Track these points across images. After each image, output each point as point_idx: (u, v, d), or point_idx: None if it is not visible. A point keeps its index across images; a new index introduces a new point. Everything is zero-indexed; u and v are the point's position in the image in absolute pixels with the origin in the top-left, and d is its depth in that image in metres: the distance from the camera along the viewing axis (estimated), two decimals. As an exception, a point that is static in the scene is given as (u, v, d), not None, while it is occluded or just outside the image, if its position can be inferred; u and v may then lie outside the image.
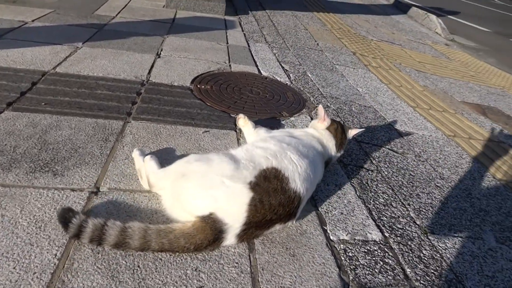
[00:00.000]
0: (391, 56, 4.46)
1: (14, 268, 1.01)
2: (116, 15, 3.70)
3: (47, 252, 1.08)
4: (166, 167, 1.35)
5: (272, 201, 1.18)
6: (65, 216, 1.11)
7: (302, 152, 1.38)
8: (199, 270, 1.12)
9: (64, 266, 1.04)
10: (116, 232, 1.09)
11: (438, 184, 1.94)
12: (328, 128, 1.64)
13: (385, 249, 1.38)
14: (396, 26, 6.42)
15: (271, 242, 1.28)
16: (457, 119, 2.95)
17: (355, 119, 2.46)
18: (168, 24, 3.70)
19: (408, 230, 1.52)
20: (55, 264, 1.05)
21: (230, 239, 1.17)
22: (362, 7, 7.58)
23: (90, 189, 1.35)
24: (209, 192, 1.18)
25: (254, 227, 1.18)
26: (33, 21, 3.07)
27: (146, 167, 1.40)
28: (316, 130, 1.64)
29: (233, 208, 1.16)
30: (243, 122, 1.78)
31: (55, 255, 1.07)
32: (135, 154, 1.51)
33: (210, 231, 1.13)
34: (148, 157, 1.45)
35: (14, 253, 1.06)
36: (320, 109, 1.68)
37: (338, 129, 1.66)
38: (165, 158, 1.59)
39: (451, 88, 3.79)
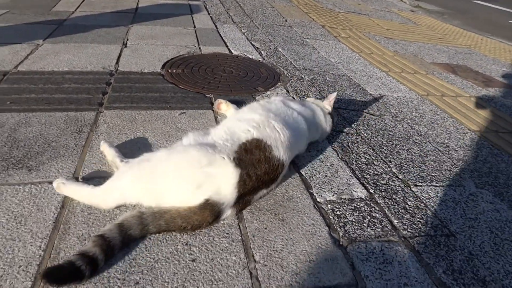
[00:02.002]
0: (360, 26, 4.49)
1: (-3, 264, 0.98)
2: (75, 10, 3.56)
3: (31, 245, 1.04)
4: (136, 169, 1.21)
5: (258, 172, 1.20)
6: (70, 270, 0.94)
7: (287, 120, 1.40)
8: (190, 245, 1.11)
9: (50, 257, 1.01)
10: (117, 234, 1.04)
11: (416, 141, 1.98)
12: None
13: (371, 204, 1.40)
14: (361, -3, 6.44)
15: (259, 210, 1.28)
16: (429, 79, 3.01)
17: (331, 88, 2.47)
18: (131, 14, 3.59)
19: (391, 185, 1.55)
20: (40, 255, 1.01)
21: (226, 213, 1.19)
22: (326, -19, 7.55)
23: (69, 180, 1.31)
24: (197, 189, 1.15)
25: (244, 195, 1.21)
26: (-13, 22, 2.92)
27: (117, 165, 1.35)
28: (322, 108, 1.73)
29: (225, 189, 1.16)
30: (226, 107, 1.77)
31: (40, 247, 1.04)
32: (104, 146, 1.44)
33: (210, 213, 1.13)
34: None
35: (-4, 250, 1.02)
36: (333, 96, 1.79)
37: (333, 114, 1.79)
38: (138, 146, 1.56)
39: (420, 51, 3.86)
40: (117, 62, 2.40)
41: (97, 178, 1.34)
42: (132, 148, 1.53)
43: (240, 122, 1.37)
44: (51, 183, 1.28)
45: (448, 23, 5.68)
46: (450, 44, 4.34)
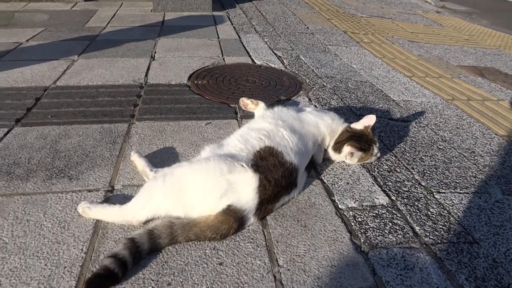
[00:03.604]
0: (383, 30, 4.47)
1: (45, 265, 1.08)
2: (106, 25, 3.76)
3: (74, 248, 1.15)
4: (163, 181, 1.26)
5: (276, 176, 1.27)
6: (106, 275, 1.03)
7: (295, 129, 1.48)
8: (217, 249, 1.18)
9: (91, 259, 1.11)
10: (146, 240, 1.12)
11: (440, 147, 1.98)
12: (349, 127, 1.66)
13: (393, 211, 1.43)
14: (384, 0, 6.40)
15: (282, 217, 1.34)
16: (454, 83, 2.98)
17: (353, 95, 2.49)
18: (158, 27, 3.75)
19: (414, 191, 1.57)
20: (82, 257, 1.11)
21: (250, 220, 1.26)
22: (348, -14, 7.54)
23: (106, 188, 1.42)
24: (221, 197, 1.22)
25: (266, 202, 1.27)
26: (27, 40, 3.14)
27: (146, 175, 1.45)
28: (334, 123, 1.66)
29: (247, 194, 1.23)
30: (254, 105, 1.83)
31: (81, 249, 1.14)
32: (135, 157, 1.52)
33: (234, 220, 1.20)
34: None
35: (44, 252, 1.13)
36: (372, 118, 1.66)
37: (350, 134, 1.63)
38: (167, 156, 1.65)
39: (446, 54, 3.80)
40: (146, 75, 2.53)
41: (131, 186, 1.44)
42: (162, 158, 1.62)
43: (251, 131, 1.45)
44: (90, 191, 1.39)
45: (475, 23, 5.55)
46: (477, 46, 4.25)
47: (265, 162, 1.30)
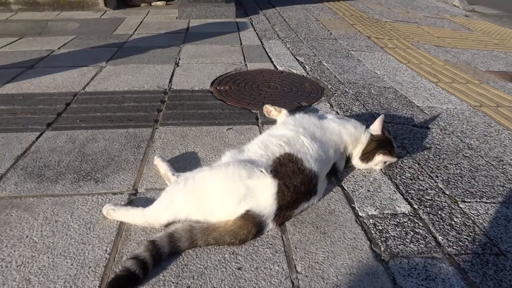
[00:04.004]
0: (408, 35, 4.39)
1: (71, 264, 1.13)
2: (133, 32, 3.88)
3: (98, 249, 1.19)
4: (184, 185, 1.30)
5: (294, 182, 1.27)
6: (128, 277, 1.06)
7: (316, 136, 1.47)
8: (236, 254, 1.20)
9: (114, 260, 1.15)
10: (166, 243, 1.15)
11: (466, 155, 1.92)
12: (372, 136, 1.64)
13: (415, 220, 1.40)
14: (410, 5, 6.29)
15: (301, 223, 1.34)
16: (482, 89, 2.89)
17: (375, 101, 2.47)
18: (182, 34, 3.84)
19: (437, 200, 1.53)
20: (106, 258, 1.15)
21: (269, 225, 1.27)
22: (373, -10, 7.46)
23: (129, 191, 1.46)
24: (239, 202, 1.23)
25: (285, 209, 1.27)
26: (59, 48, 3.29)
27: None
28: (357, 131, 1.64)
29: (265, 200, 1.24)
30: (276, 112, 1.84)
31: (106, 250, 1.18)
32: (158, 161, 1.57)
33: (253, 225, 1.22)
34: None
35: (70, 252, 1.17)
36: (380, 119, 1.68)
37: (377, 143, 1.63)
38: (189, 161, 1.69)
39: (474, 59, 3.69)
40: (170, 81, 2.59)
41: (153, 190, 1.48)
42: (184, 162, 1.66)
43: (272, 137, 1.46)
44: (115, 194, 1.44)
45: (507, 27, 5.36)
46: (508, 50, 4.10)
47: (285, 168, 1.30)
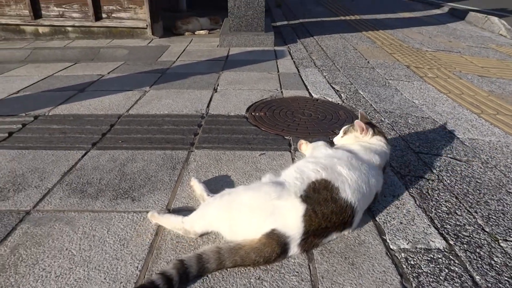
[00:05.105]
0: (450, 64, 4.29)
1: (104, 279, 1.19)
2: (176, 59, 4.10)
3: (130, 265, 1.24)
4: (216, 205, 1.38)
5: (324, 210, 1.26)
6: (151, 286, 1.09)
7: (353, 165, 1.43)
8: (261, 279, 1.20)
9: (144, 277, 1.19)
10: (194, 263, 1.18)
11: (510, 190, 1.82)
12: (374, 135, 1.69)
13: (450, 256, 1.33)
14: (453, 34, 6.16)
15: (329, 252, 1.32)
16: (530, 122, 2.74)
17: (412, 131, 2.41)
18: (222, 61, 4.00)
19: (475, 237, 1.45)
20: (137, 275, 1.20)
21: (293, 249, 1.26)
22: (413, 20, 7.42)
23: (163, 211, 1.52)
24: (265, 219, 1.26)
25: (312, 235, 1.26)
26: (108, 73, 3.54)
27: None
28: (367, 142, 1.66)
29: (291, 222, 1.25)
30: (306, 146, 1.86)
31: (137, 267, 1.23)
32: (194, 182, 1.65)
33: (277, 244, 1.23)
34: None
35: (104, 266, 1.23)
36: (358, 123, 1.67)
37: (376, 129, 1.73)
38: (221, 184, 1.73)
39: (521, 90, 3.53)
40: (208, 106, 2.69)
41: (185, 211, 1.53)
42: (216, 185, 1.70)
43: (309, 163, 1.46)
44: (149, 212, 1.50)
45: (559, 57, 5.08)
46: (560, 82, 3.88)
47: (317, 195, 1.30)
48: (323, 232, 1.28)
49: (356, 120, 1.69)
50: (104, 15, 5.15)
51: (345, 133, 1.80)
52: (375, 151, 1.60)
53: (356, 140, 1.70)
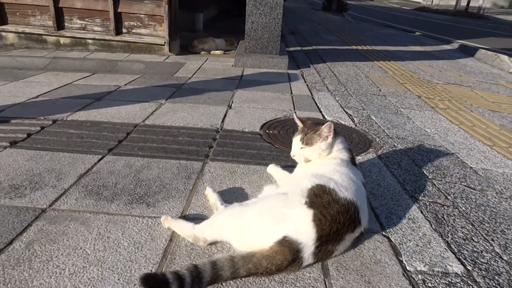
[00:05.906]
0: (460, 97, 4.33)
1: (118, 279, 1.17)
2: (192, 76, 4.18)
3: (144, 268, 1.23)
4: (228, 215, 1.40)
5: (331, 212, 1.27)
6: (161, 280, 1.11)
7: (335, 169, 1.48)
8: (276, 291, 1.18)
9: (158, 280, 1.18)
10: (208, 269, 1.17)
11: (526, 222, 1.80)
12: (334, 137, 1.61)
13: (469, 282, 1.31)
14: (463, 69, 6.25)
15: (345, 269, 1.30)
16: (543, 157, 2.73)
17: (425, 157, 2.42)
18: (237, 80, 4.07)
19: (493, 264, 1.43)
20: (151, 278, 1.19)
21: (307, 258, 1.24)
22: (424, 53, 7.55)
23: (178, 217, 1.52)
24: (275, 226, 1.27)
25: (325, 241, 1.25)
26: (125, 84, 3.61)
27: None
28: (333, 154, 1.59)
29: (302, 228, 1.25)
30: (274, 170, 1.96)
31: (151, 270, 1.22)
32: (209, 191, 1.66)
33: (288, 251, 1.22)
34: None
35: (118, 268, 1.22)
36: (329, 125, 1.57)
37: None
38: (235, 196, 1.73)
39: (533, 126, 3.54)
40: (223, 121, 2.73)
41: (199, 219, 1.52)
42: (230, 196, 1.71)
43: (299, 175, 1.60)
44: (163, 218, 1.50)
45: None
46: None
47: (320, 199, 1.31)
48: (335, 236, 1.27)
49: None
50: (124, 30, 5.30)
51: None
52: (340, 150, 1.61)
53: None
